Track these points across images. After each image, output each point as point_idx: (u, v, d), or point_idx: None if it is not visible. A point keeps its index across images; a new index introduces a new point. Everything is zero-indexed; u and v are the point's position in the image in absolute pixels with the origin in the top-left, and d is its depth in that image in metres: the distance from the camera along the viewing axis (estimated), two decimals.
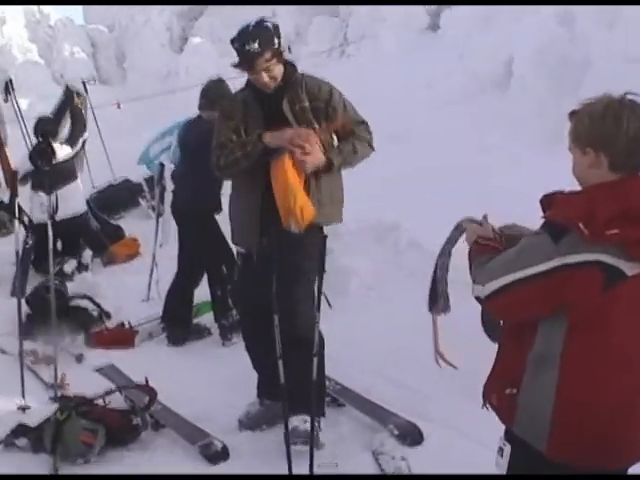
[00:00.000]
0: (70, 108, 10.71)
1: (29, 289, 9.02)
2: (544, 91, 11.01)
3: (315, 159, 5.38)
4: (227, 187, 7.96)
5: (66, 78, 18.33)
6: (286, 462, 5.38)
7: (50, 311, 7.98)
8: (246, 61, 5.37)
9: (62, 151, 9.94)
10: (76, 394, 6.35)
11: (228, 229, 8.20)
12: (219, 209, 8.07)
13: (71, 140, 10.20)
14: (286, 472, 5.27)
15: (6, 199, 9.62)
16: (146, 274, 9.70)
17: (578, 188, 3.35)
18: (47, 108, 11.38)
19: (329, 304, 4.92)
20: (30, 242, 10.33)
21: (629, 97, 3.22)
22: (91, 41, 22.40)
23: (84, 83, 14.72)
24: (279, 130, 5.40)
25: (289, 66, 5.61)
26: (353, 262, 8.49)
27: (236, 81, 8.29)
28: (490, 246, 3.60)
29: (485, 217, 3.80)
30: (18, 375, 6.83)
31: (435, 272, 3.99)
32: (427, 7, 17.14)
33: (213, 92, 8.03)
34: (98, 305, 9.02)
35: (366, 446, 5.61)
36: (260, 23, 5.43)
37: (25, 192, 9.90)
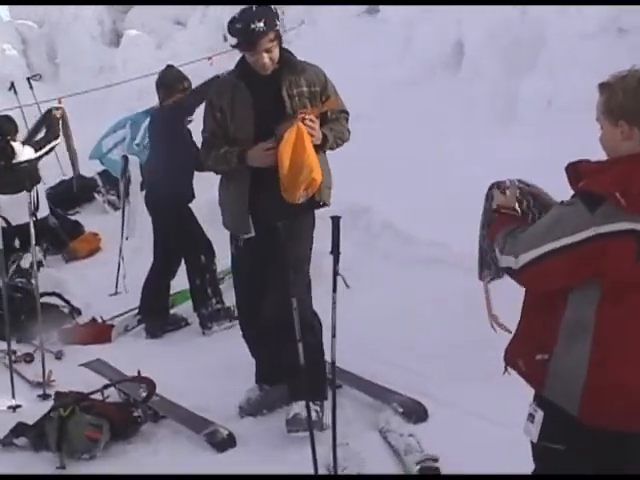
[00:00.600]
0: (47, 117, 10.53)
1: None
2: (497, 72, 11.06)
3: (319, 132, 5.49)
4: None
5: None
6: (293, 447, 5.45)
7: (20, 310, 7.95)
8: (250, 40, 5.36)
9: (24, 151, 9.73)
10: (71, 390, 6.28)
11: (203, 218, 8.30)
12: (193, 197, 8.09)
13: (37, 143, 10.02)
14: (294, 457, 5.32)
15: None
16: (110, 268, 9.64)
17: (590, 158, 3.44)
18: None
19: (346, 284, 4.95)
20: None
21: None
22: (21, 37, 22.02)
23: (29, 80, 14.52)
24: (254, 149, 5.45)
25: (284, 51, 5.61)
26: (326, 246, 8.49)
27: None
28: (511, 216, 3.68)
29: (512, 181, 3.85)
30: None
31: (480, 239, 4.06)
32: None
33: (168, 78, 8.15)
34: (67, 302, 8.95)
35: (372, 425, 5.67)
36: (260, 7, 5.45)
37: None
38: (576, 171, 3.44)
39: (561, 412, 3.34)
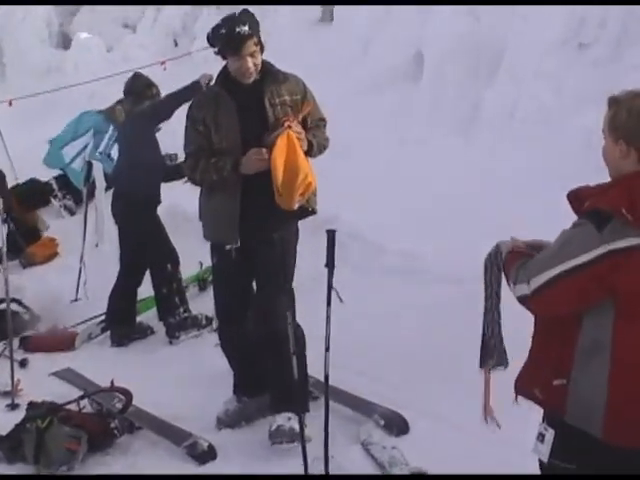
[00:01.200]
0: None
1: None
2: (459, 80, 11.12)
3: (306, 138, 5.51)
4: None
5: None
6: (276, 458, 5.41)
7: None
8: (236, 43, 5.36)
9: None
10: (44, 400, 6.16)
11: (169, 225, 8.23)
12: (160, 202, 8.08)
13: None
14: (277, 469, 5.28)
15: None
16: (69, 274, 9.52)
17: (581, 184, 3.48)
18: None
19: (340, 299, 4.90)
20: None
21: None
22: None
23: None
24: (247, 155, 5.40)
25: (264, 61, 5.59)
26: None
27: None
28: (525, 252, 3.63)
29: (512, 238, 3.80)
30: None
31: (484, 326, 3.89)
32: None
33: (137, 86, 8.19)
34: (27, 308, 8.81)
35: (353, 438, 5.62)
36: (246, 10, 5.53)
37: None
38: (578, 196, 3.46)
39: (575, 432, 3.33)
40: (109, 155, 11.23)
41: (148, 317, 8.45)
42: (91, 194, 9.76)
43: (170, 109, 7.75)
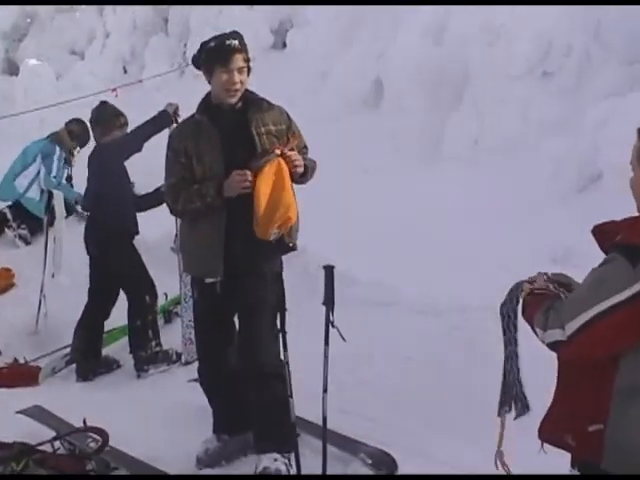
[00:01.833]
0: None
1: None
2: (421, 108, 11.08)
3: (302, 161, 5.38)
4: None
5: None
6: None
7: None
8: (225, 54, 5.25)
9: None
10: (15, 441, 5.92)
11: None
12: (137, 232, 7.98)
13: None
14: None
15: None
16: (27, 306, 9.29)
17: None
18: None
19: (342, 338, 4.82)
20: None
21: None
22: None
23: None
24: (230, 177, 5.24)
25: (247, 89, 5.47)
26: None
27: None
28: (547, 294, 3.50)
29: (539, 273, 3.65)
30: None
31: (505, 374, 3.79)
32: (270, 25, 16.99)
33: (104, 116, 8.05)
34: None
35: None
36: (235, 31, 5.44)
37: None
38: (603, 231, 3.36)
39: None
40: (68, 179, 11.08)
41: (114, 350, 8.25)
42: (50, 223, 9.56)
43: (139, 142, 7.69)
